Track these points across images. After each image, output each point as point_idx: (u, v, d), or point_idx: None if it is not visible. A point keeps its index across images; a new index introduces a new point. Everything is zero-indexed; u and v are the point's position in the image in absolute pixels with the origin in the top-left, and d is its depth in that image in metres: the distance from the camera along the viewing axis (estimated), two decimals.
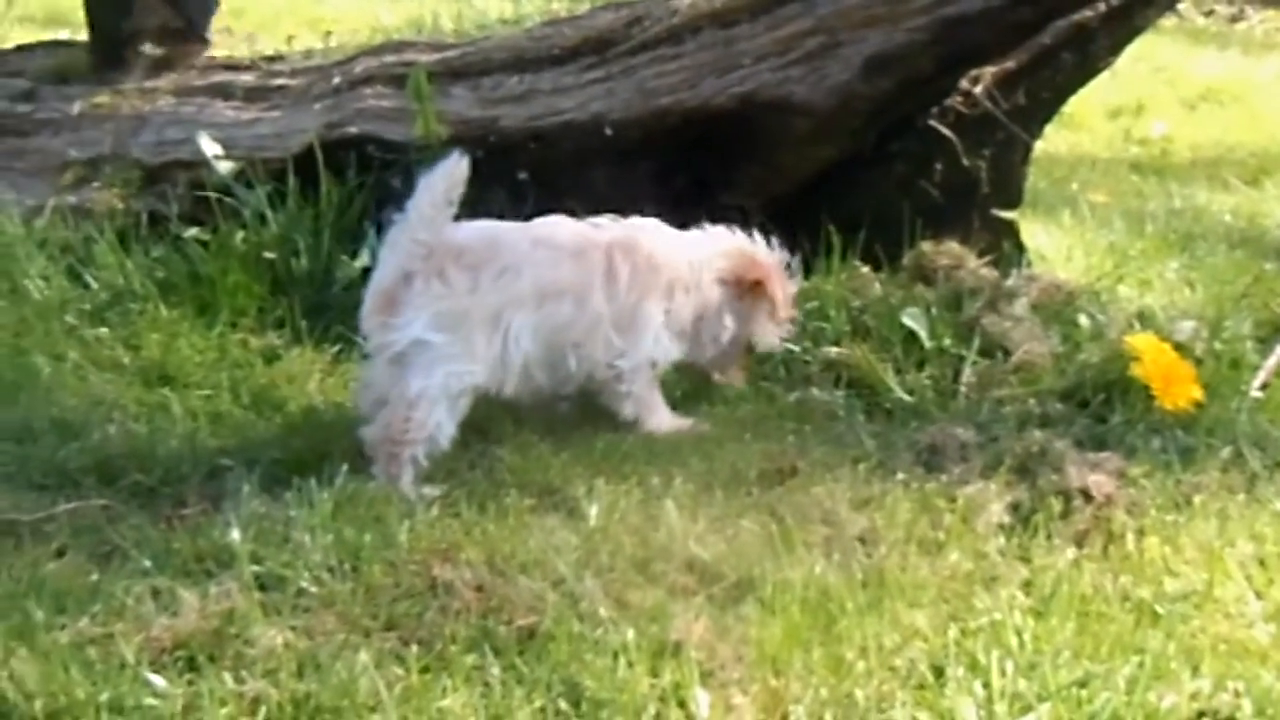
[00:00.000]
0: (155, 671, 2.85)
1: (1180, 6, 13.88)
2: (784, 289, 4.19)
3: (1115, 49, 5.08)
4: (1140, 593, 3.23)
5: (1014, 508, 3.59)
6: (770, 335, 4.25)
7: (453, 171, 3.72)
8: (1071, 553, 3.40)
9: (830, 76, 4.60)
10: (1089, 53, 5.04)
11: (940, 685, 2.88)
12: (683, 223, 4.20)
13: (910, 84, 4.66)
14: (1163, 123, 9.41)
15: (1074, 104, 6.62)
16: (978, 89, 4.99)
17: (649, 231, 4.07)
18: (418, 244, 3.73)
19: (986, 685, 2.86)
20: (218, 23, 10.22)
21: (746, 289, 4.12)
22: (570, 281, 3.88)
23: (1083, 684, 2.87)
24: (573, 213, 4.05)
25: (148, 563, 3.23)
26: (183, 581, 3.15)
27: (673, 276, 4.03)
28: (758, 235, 4.21)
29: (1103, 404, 4.19)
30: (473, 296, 3.75)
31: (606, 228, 4.02)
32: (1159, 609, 3.17)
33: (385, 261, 3.83)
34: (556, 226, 3.99)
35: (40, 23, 9.54)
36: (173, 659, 2.91)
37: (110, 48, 5.89)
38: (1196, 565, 3.37)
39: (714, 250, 4.13)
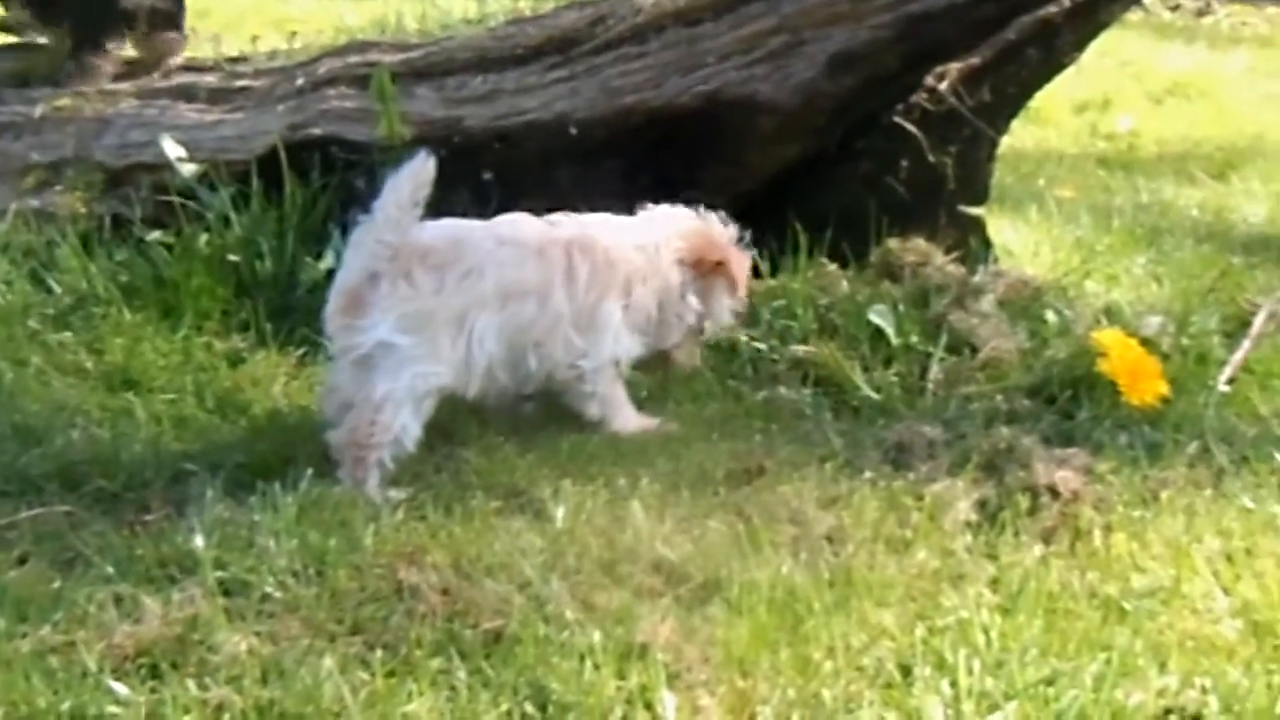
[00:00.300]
0: (118, 679, 2.83)
1: (1146, 1, 13.95)
2: (742, 266, 4.17)
3: (1080, 44, 5.09)
4: (1107, 589, 3.22)
5: (981, 505, 3.59)
6: (725, 313, 4.23)
7: (419, 172, 3.70)
8: (1039, 550, 3.40)
9: (795, 74, 4.59)
10: (1054, 48, 5.05)
11: (908, 684, 2.87)
12: None
13: (875, 81, 4.66)
14: (1129, 117, 9.43)
15: (1040, 99, 6.64)
16: (943, 85, 5.00)
17: (604, 227, 4.06)
18: (383, 245, 3.71)
19: (954, 684, 2.85)
20: None
21: (708, 269, 4.10)
22: (533, 281, 3.86)
23: (1050, 682, 2.86)
24: (535, 213, 4.02)
25: (110, 569, 3.21)
26: (146, 588, 3.12)
27: (629, 270, 4.01)
28: (708, 212, 4.20)
29: (1070, 400, 4.20)
30: (438, 298, 3.74)
31: (564, 225, 4.00)
32: (1126, 605, 3.16)
33: (350, 262, 3.81)
34: (519, 225, 3.97)
35: None
36: (135, 666, 2.88)
37: (91, 32, 5.85)
38: (1164, 561, 3.36)
39: (670, 232, 4.11)
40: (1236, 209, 7.26)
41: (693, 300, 4.13)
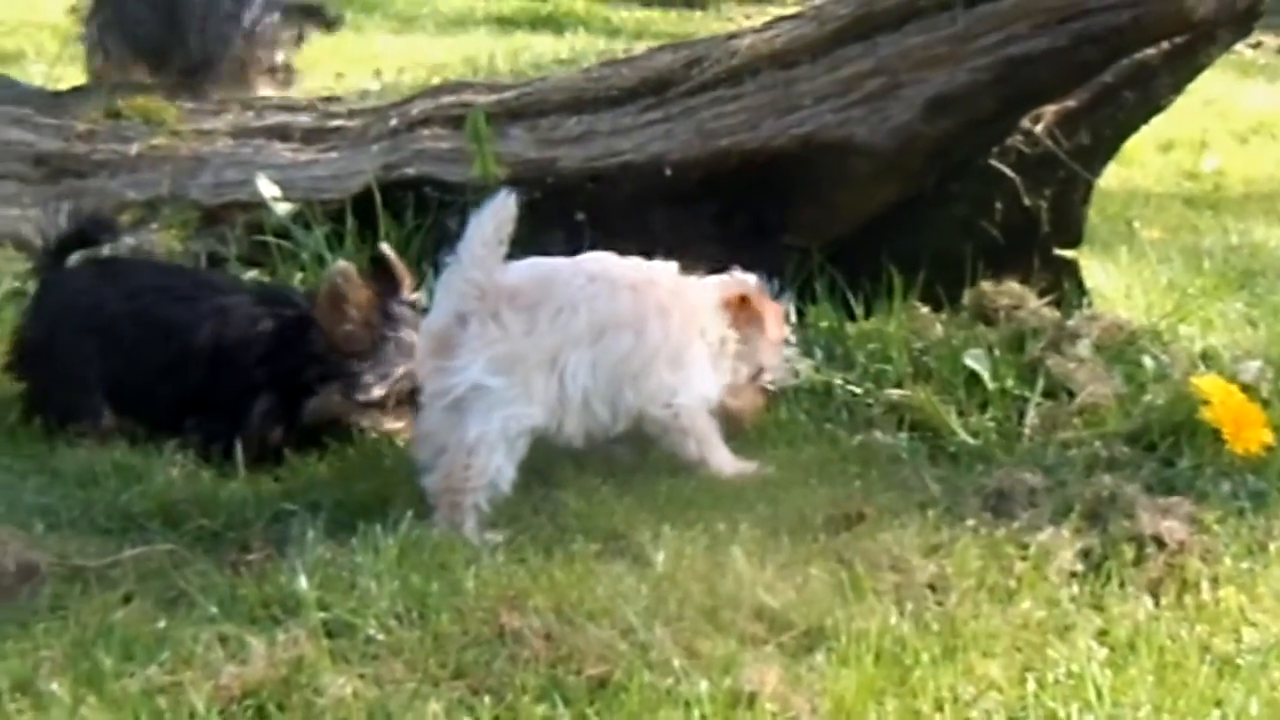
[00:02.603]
0: None
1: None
2: (770, 306, 4.12)
3: (1178, 87, 5.04)
4: (1219, 643, 3.18)
5: (1085, 554, 3.53)
6: (773, 359, 4.19)
7: (500, 210, 3.69)
8: (1146, 601, 3.35)
9: (891, 117, 4.57)
10: (1151, 90, 5.00)
11: None
12: (744, 264, 4.17)
13: (972, 124, 4.64)
14: (1215, 157, 9.33)
15: None
16: (1039, 128, 4.96)
17: (675, 276, 4.04)
18: (471, 284, 3.70)
19: None
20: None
21: (736, 307, 4.06)
22: (628, 314, 3.85)
23: None
24: (628, 255, 4.03)
25: (214, 609, 3.21)
26: (250, 629, 3.12)
27: (704, 319, 4.01)
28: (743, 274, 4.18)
29: (1170, 447, 4.14)
30: (529, 338, 3.73)
31: (649, 269, 4.00)
32: (1239, 661, 3.12)
33: (439, 304, 3.81)
34: (605, 262, 3.98)
35: None
36: (242, 708, 2.88)
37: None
38: (1275, 615, 3.31)
39: (712, 283, 4.09)
40: None
41: (733, 341, 4.09)
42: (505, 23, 12.37)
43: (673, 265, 4.08)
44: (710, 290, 4.08)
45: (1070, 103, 4.96)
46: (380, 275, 4.23)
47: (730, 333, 4.06)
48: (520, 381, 3.72)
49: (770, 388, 4.24)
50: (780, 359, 4.22)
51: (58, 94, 6.31)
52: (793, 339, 4.30)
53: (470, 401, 3.70)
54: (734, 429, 4.16)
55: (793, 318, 4.34)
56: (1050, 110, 4.95)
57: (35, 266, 4.61)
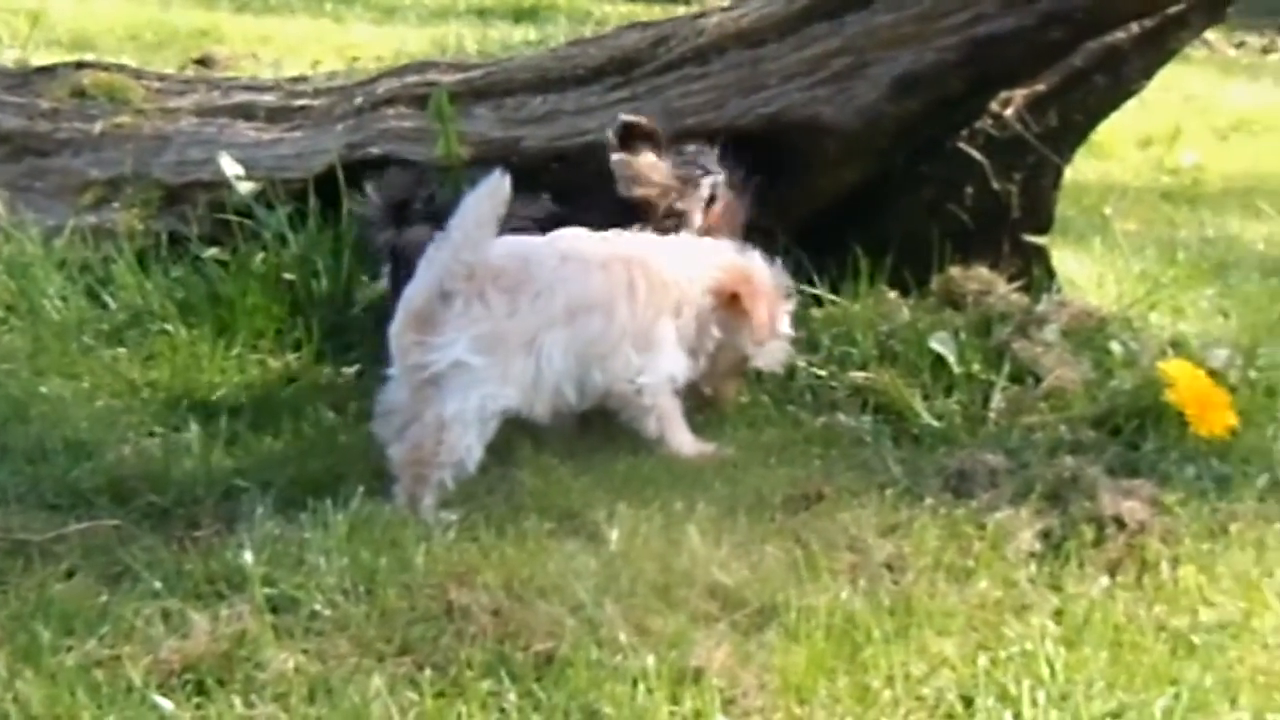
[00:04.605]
0: (163, 694, 2.80)
1: (1211, 38, 13.85)
2: (769, 309, 4.08)
3: (1148, 72, 4.99)
4: (1175, 622, 3.15)
5: (1045, 535, 3.51)
6: (768, 355, 4.18)
7: (495, 190, 3.66)
8: (1104, 581, 3.32)
9: (858, 97, 4.52)
10: (1121, 75, 4.96)
11: (969, 715, 2.82)
12: None
13: (939, 105, 4.58)
14: (1193, 153, 9.31)
15: (1103, 133, 6.56)
16: (1008, 111, 4.92)
17: (657, 247, 4.03)
18: (461, 263, 3.67)
19: (1017, 716, 2.79)
20: (243, 49, 10.31)
21: (725, 301, 4.03)
22: (599, 295, 3.84)
23: (1117, 715, 2.80)
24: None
25: (158, 584, 3.18)
26: (193, 603, 3.10)
27: (680, 294, 3.98)
28: (763, 254, 4.15)
29: (1135, 431, 4.11)
30: (511, 320, 3.71)
31: (619, 242, 3.98)
32: (1195, 640, 3.09)
33: (422, 279, 3.76)
34: (578, 240, 3.95)
35: (66, 47, 9.54)
36: (181, 682, 2.85)
37: None
38: (1233, 595, 3.28)
39: (711, 262, 4.06)
40: None
41: (715, 330, 4.06)
42: (486, 14, 12.35)
43: (661, 239, 4.08)
44: (701, 268, 4.04)
45: (1040, 86, 4.92)
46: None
47: (711, 316, 4.03)
48: (501, 362, 3.70)
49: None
50: (770, 351, 4.19)
51: (24, 73, 6.24)
52: (792, 332, 4.26)
53: (450, 378, 3.68)
54: (709, 410, 4.15)
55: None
56: (1020, 94, 4.91)
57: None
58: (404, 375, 3.80)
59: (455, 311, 3.68)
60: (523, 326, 3.72)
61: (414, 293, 3.77)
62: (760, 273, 4.12)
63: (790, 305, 4.22)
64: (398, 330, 3.79)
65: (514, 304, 3.72)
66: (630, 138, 4.32)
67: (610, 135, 4.31)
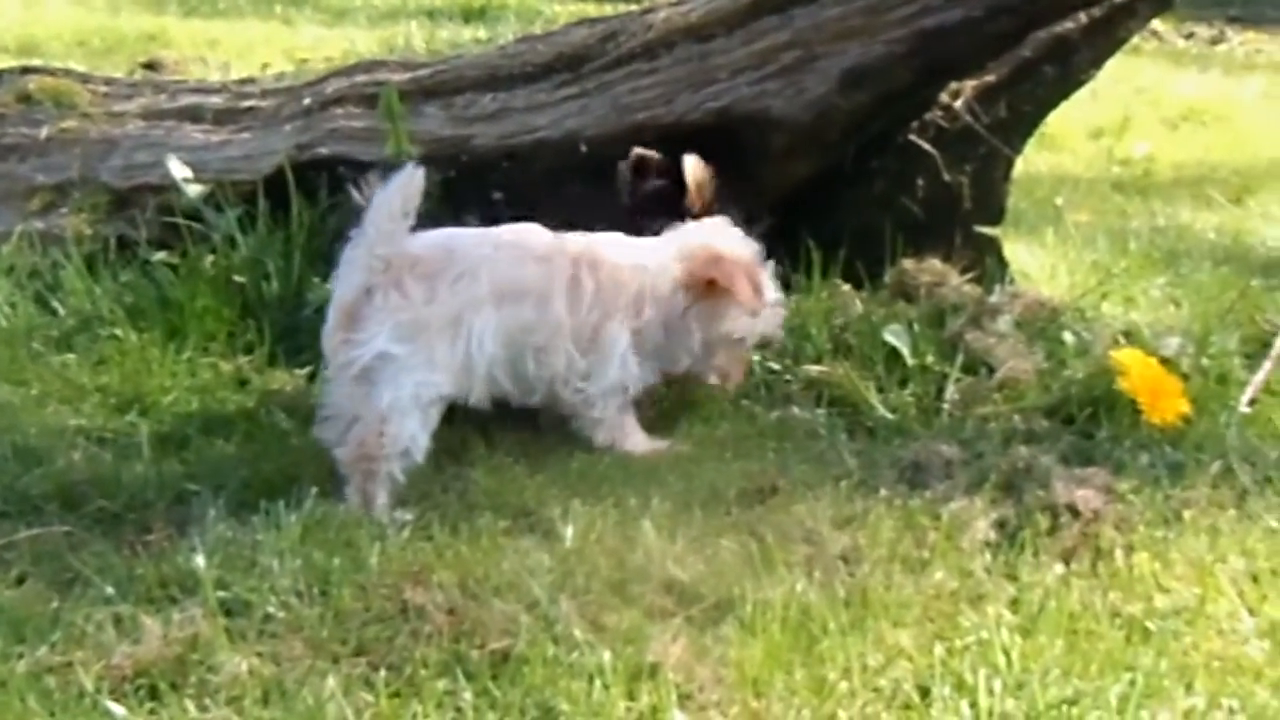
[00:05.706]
0: (116, 700, 2.79)
1: (1161, 29, 13.91)
2: (750, 279, 4.04)
3: (1097, 61, 5.02)
4: (1130, 609, 3.16)
5: (1000, 525, 3.51)
6: (758, 325, 4.15)
7: (407, 184, 3.67)
8: (1059, 569, 3.32)
9: (808, 90, 4.52)
10: (1071, 65, 4.98)
11: (926, 705, 2.81)
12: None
13: (888, 97, 4.59)
14: (1145, 143, 9.35)
15: (1055, 125, 6.59)
16: (958, 103, 4.93)
17: (613, 246, 4.01)
18: (376, 258, 3.68)
19: (974, 705, 2.79)
20: (191, 53, 10.23)
21: (700, 290, 4.02)
22: (532, 282, 3.83)
23: (1072, 702, 2.80)
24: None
25: (110, 590, 3.15)
26: (145, 608, 3.07)
27: (638, 291, 3.96)
28: (724, 225, 4.13)
29: (1089, 420, 4.12)
30: (430, 306, 3.70)
31: (573, 240, 3.95)
32: (1150, 626, 3.09)
33: (345, 278, 3.77)
34: (525, 232, 3.95)
35: (13, 52, 9.47)
36: (134, 687, 2.84)
37: None
38: (1187, 581, 3.29)
39: (672, 254, 4.04)
40: (1254, 232, 7.18)
41: (694, 325, 4.05)
42: (436, 14, 12.30)
43: (626, 237, 4.05)
44: (660, 267, 4.01)
45: (989, 77, 4.94)
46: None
47: (688, 315, 4.02)
48: (424, 348, 3.69)
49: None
50: (766, 319, 4.16)
51: None
52: (781, 297, 4.25)
53: (378, 370, 3.68)
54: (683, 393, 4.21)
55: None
56: (969, 85, 4.93)
57: None
58: (337, 375, 3.79)
59: (375, 305, 3.68)
60: (443, 311, 3.71)
61: (340, 293, 3.77)
62: (729, 246, 4.08)
63: (769, 266, 4.18)
64: (328, 332, 3.79)
65: (432, 290, 3.71)
66: (643, 168, 4.49)
67: (623, 169, 4.56)
